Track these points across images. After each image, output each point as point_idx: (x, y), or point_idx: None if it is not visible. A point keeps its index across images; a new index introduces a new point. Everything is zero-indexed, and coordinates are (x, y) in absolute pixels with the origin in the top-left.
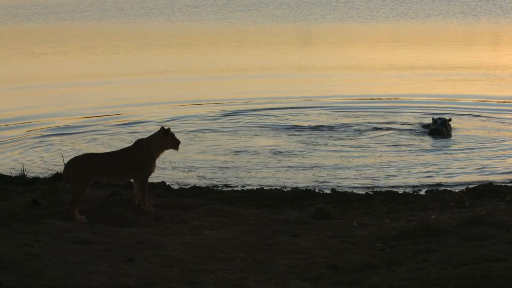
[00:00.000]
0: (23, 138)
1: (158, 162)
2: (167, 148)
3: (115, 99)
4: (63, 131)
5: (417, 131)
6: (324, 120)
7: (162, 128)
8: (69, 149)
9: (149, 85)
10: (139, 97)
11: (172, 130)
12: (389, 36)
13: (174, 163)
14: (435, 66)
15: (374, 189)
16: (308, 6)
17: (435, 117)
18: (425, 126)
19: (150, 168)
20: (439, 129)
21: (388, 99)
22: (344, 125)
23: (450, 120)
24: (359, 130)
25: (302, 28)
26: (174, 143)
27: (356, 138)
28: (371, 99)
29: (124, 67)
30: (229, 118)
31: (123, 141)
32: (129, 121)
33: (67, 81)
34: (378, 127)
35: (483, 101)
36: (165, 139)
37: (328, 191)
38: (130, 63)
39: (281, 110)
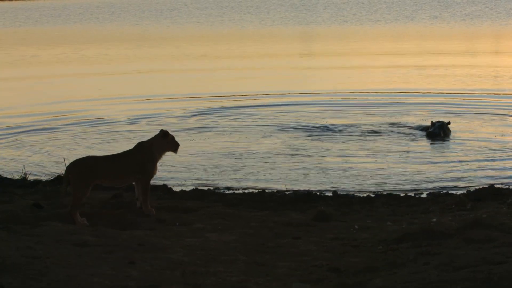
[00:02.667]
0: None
1: (159, 164)
2: (167, 150)
3: (91, 96)
4: (41, 131)
5: (418, 133)
6: (324, 120)
7: (162, 131)
8: (48, 149)
9: (135, 83)
10: (122, 93)
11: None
12: (394, 37)
13: (176, 166)
14: (440, 66)
15: (376, 192)
16: (315, 9)
17: (434, 120)
18: (425, 128)
19: (152, 171)
20: (436, 132)
21: (390, 98)
22: (344, 125)
23: (449, 123)
24: (360, 132)
25: (305, 29)
26: (173, 146)
27: (357, 140)
28: (371, 93)
29: (107, 66)
30: (223, 116)
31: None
32: (103, 119)
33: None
34: (379, 129)
35: (486, 99)
36: (165, 142)
37: (330, 194)
38: (115, 62)
39: (278, 107)
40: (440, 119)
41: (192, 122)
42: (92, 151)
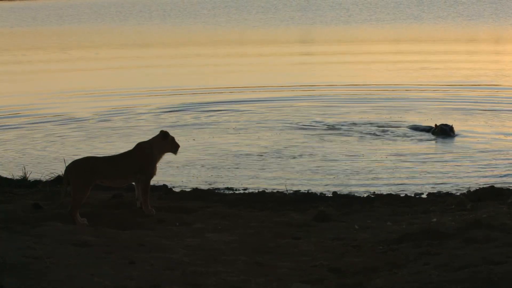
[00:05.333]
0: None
1: (159, 164)
2: (166, 151)
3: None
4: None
5: (418, 133)
6: (324, 117)
7: (162, 131)
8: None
9: (124, 78)
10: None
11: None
12: (398, 35)
13: (176, 166)
14: (444, 63)
15: (376, 192)
16: (321, 9)
17: (438, 123)
18: (426, 129)
19: (152, 171)
20: (447, 130)
21: (393, 93)
22: (344, 123)
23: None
24: (360, 131)
25: (308, 28)
26: (173, 147)
27: (357, 139)
28: (373, 88)
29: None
30: (212, 112)
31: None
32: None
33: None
34: (379, 128)
35: (488, 95)
36: (165, 142)
37: (330, 194)
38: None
39: (273, 103)
40: (444, 122)
41: (171, 119)
42: (78, 150)
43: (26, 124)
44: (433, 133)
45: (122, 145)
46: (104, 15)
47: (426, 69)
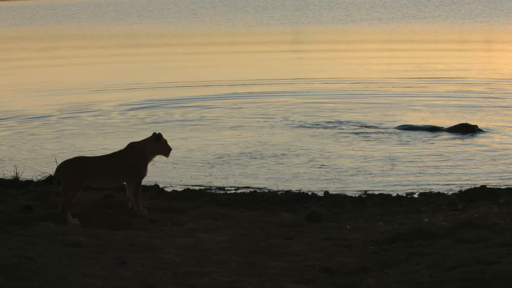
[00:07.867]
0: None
1: (151, 164)
2: (158, 154)
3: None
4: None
5: (410, 132)
6: (315, 114)
7: (154, 134)
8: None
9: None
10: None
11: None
12: (400, 33)
13: (167, 166)
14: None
15: (368, 192)
16: (319, 8)
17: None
18: (418, 128)
19: (143, 172)
20: (475, 127)
21: (390, 88)
22: (336, 122)
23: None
24: (352, 130)
25: (304, 27)
26: (165, 150)
27: (349, 138)
28: (367, 83)
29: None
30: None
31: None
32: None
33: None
34: (371, 127)
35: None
36: (158, 145)
37: (322, 194)
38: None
39: (264, 99)
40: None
41: (140, 115)
42: (53, 149)
43: None
44: (457, 131)
45: (102, 143)
46: (101, 14)
47: (424, 66)
